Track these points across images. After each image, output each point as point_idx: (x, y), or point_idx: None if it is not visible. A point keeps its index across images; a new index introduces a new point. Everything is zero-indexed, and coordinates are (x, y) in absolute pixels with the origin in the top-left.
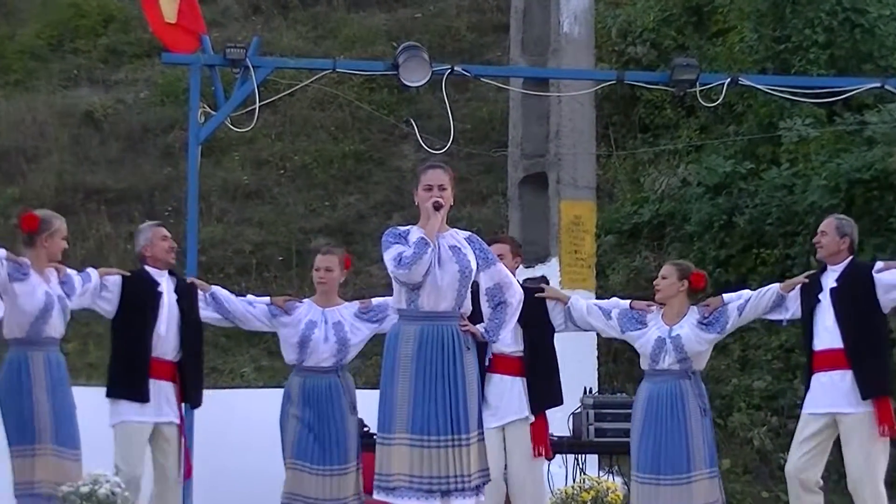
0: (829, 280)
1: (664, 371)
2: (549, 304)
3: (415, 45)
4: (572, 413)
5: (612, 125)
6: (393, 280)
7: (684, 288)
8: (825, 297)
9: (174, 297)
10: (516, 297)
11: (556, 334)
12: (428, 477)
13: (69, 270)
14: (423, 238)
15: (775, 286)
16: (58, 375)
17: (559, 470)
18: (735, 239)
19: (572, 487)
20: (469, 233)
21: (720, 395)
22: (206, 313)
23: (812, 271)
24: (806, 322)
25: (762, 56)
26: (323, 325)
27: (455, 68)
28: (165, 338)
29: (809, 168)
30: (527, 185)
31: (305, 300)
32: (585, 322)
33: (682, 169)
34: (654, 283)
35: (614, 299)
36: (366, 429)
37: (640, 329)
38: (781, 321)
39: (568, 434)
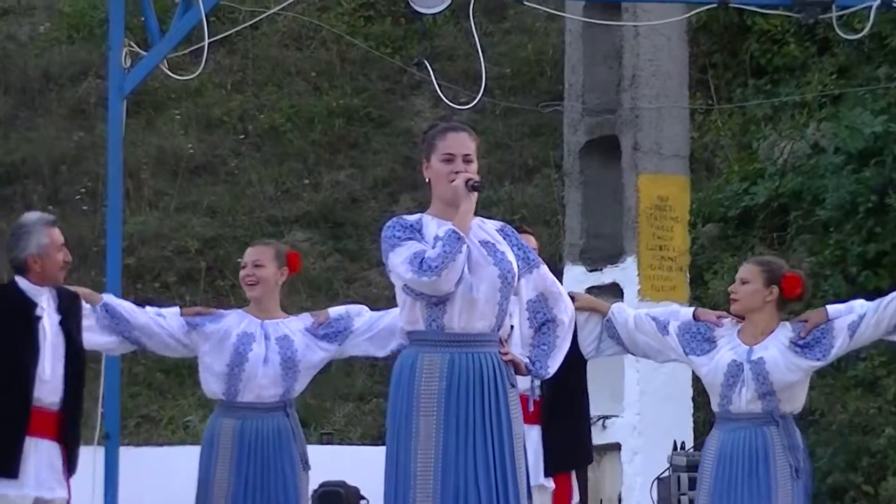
0: None
1: (741, 414)
2: (580, 318)
3: None
4: (658, 478)
5: (711, 67)
6: (402, 291)
7: (773, 297)
8: None
9: (56, 318)
10: (568, 312)
11: (589, 363)
12: None
13: None
14: (454, 231)
15: None
16: None
17: None
18: (889, 228)
19: None
20: (501, 223)
21: (869, 450)
22: (97, 337)
23: None
24: None
25: None
26: (263, 341)
27: None
28: (51, 380)
29: None
30: (591, 154)
31: (235, 310)
32: (632, 340)
33: (812, 129)
34: (730, 289)
35: (674, 307)
36: (363, 501)
37: (707, 352)
38: None
39: None
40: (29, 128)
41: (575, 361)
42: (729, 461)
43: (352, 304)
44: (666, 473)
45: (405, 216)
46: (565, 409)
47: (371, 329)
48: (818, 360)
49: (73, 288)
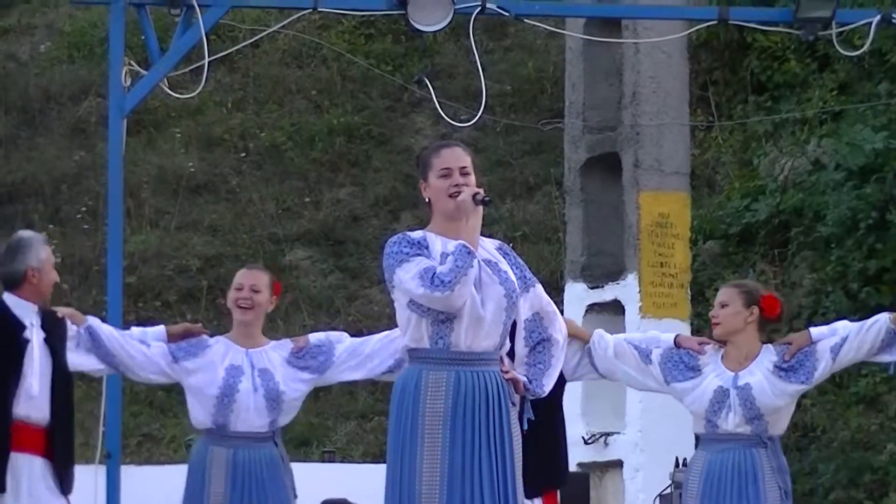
0: None
1: (728, 435)
2: None
3: None
4: (660, 495)
5: (712, 84)
6: (405, 308)
7: (753, 318)
8: None
9: (42, 336)
10: (563, 331)
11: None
12: None
13: None
14: (464, 245)
15: (884, 318)
16: None
17: None
18: (890, 244)
19: None
20: (499, 242)
21: (871, 467)
22: (79, 358)
23: None
24: None
25: None
26: (250, 372)
27: (487, 4)
28: (38, 396)
29: None
30: (592, 171)
31: (219, 337)
32: (611, 369)
33: (813, 145)
34: (711, 314)
35: (653, 333)
36: None
37: (691, 378)
38: (889, 365)
39: None
40: (30, 147)
41: (555, 385)
42: (717, 481)
43: (332, 332)
44: (668, 490)
45: (409, 233)
46: (544, 431)
47: (353, 357)
48: (802, 383)
49: (57, 308)
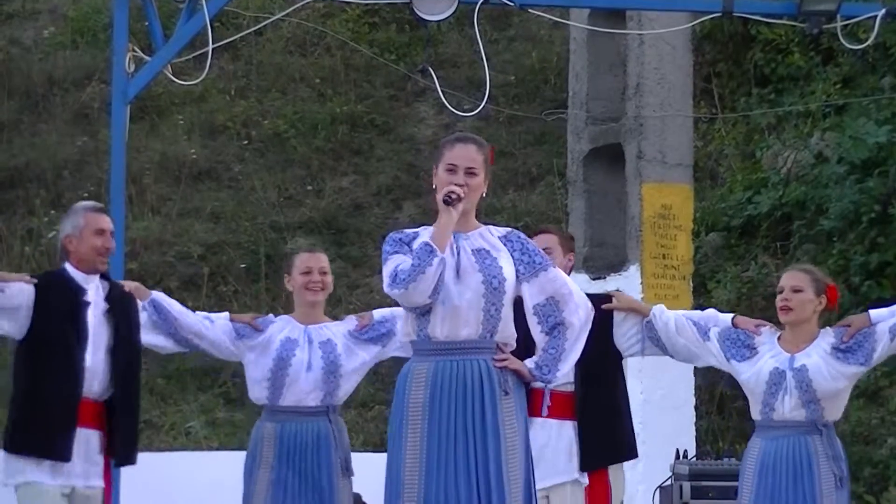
0: None
1: (784, 422)
2: (617, 318)
3: None
4: (659, 487)
5: (715, 76)
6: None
7: (821, 307)
8: None
9: (102, 307)
10: (580, 314)
11: (625, 361)
12: None
13: None
14: (426, 244)
15: None
16: None
17: None
18: (892, 238)
19: None
20: (509, 229)
21: (871, 461)
22: (149, 336)
23: None
24: None
25: None
26: (306, 346)
27: None
28: (92, 369)
29: None
30: (595, 162)
31: (282, 316)
32: (673, 344)
33: (816, 138)
34: (782, 297)
35: (711, 311)
36: None
37: (748, 358)
38: None
39: None
40: (33, 132)
41: (609, 357)
42: (772, 469)
43: (397, 307)
44: (668, 482)
45: (404, 230)
46: (599, 405)
47: None
48: (861, 364)
49: (123, 283)
